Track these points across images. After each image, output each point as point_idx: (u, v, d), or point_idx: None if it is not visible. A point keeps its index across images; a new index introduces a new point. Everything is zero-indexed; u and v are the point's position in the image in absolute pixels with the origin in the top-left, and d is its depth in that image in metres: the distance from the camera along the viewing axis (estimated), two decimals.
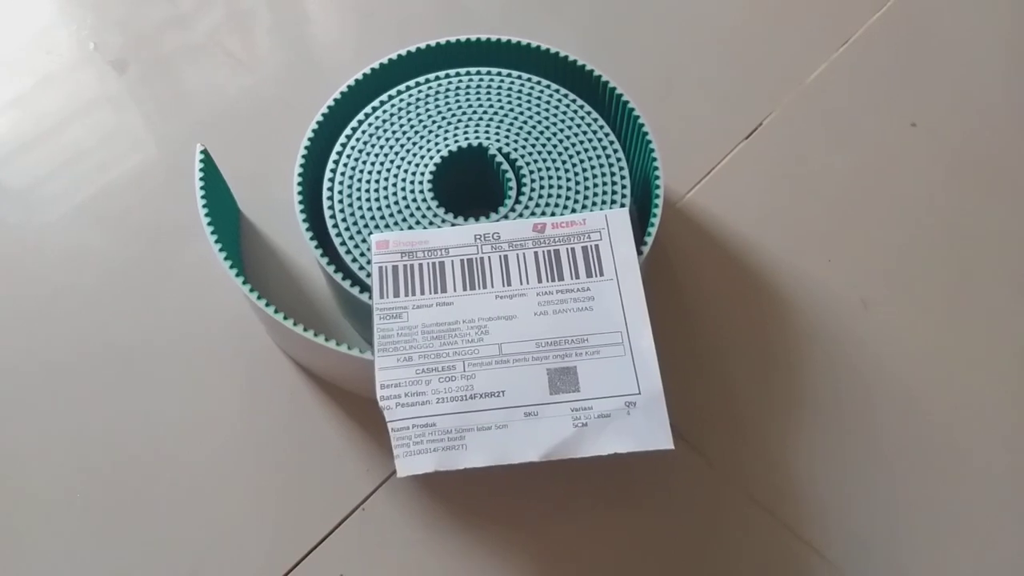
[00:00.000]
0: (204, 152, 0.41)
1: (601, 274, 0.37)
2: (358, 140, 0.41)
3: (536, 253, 0.37)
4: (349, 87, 0.42)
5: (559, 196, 0.40)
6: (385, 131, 0.41)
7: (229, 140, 0.48)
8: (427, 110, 0.42)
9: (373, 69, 0.43)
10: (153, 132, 0.49)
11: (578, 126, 0.41)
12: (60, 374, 0.42)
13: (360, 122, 0.42)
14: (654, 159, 0.40)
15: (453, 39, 0.43)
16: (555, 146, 0.41)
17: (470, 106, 0.42)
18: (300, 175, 0.40)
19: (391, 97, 0.42)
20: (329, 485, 0.39)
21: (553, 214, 0.39)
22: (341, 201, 0.40)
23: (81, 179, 0.47)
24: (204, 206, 0.39)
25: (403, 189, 0.40)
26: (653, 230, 0.38)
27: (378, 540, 0.38)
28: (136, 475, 0.39)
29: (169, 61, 0.52)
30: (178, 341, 0.42)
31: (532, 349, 0.35)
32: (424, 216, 0.39)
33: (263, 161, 0.46)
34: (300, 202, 0.40)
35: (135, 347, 0.42)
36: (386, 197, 0.40)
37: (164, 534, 0.38)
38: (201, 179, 0.40)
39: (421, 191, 0.40)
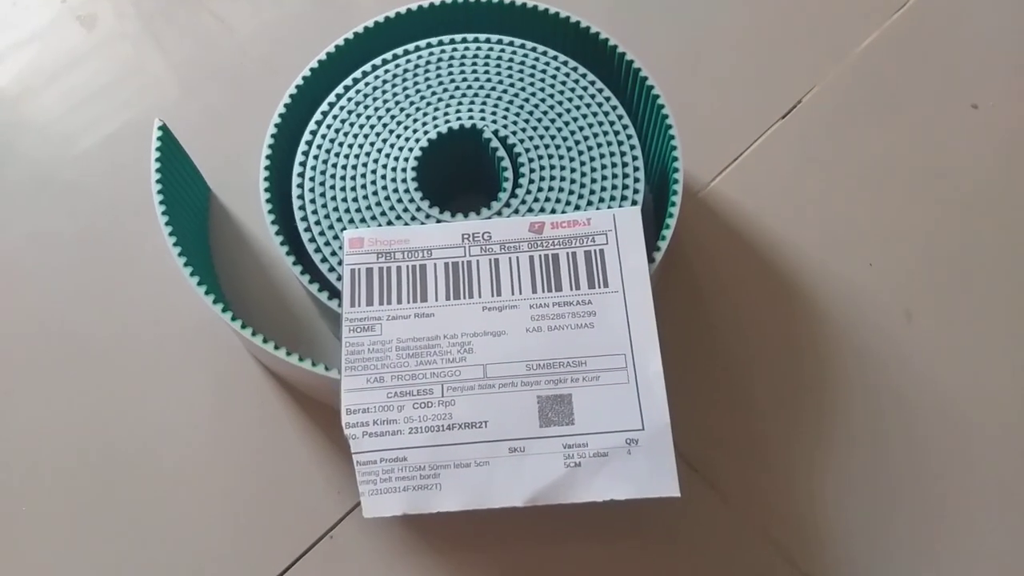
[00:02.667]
0: (163, 129, 0.36)
1: (605, 285, 0.32)
2: (334, 118, 0.36)
3: (532, 257, 0.33)
4: (329, 54, 0.37)
5: (562, 189, 0.35)
6: (365, 109, 0.36)
7: (204, 111, 0.43)
8: (414, 84, 0.37)
9: (357, 34, 0.37)
10: (119, 98, 0.44)
11: (587, 106, 0.36)
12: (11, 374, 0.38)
13: (339, 96, 0.37)
14: (673, 146, 0.35)
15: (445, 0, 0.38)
16: (559, 129, 0.36)
17: (464, 80, 0.37)
18: (268, 158, 0.35)
19: (375, 68, 0.37)
20: (295, 508, 0.35)
21: (554, 210, 0.34)
22: (312, 191, 0.35)
23: (44, 153, 0.43)
24: (159, 191, 0.35)
25: (383, 178, 0.35)
26: (668, 232, 0.33)
27: (348, 573, 0.34)
28: (82, 491, 0.36)
29: (144, 19, 0.47)
30: (136, 339, 0.38)
31: (522, 372, 0.31)
32: (406, 210, 0.34)
33: (239, 138, 0.41)
34: (267, 189, 0.35)
35: (89, 345, 0.38)
36: (363, 187, 0.35)
37: (109, 558, 0.35)
38: (157, 159, 0.35)
39: (403, 181, 0.35)
